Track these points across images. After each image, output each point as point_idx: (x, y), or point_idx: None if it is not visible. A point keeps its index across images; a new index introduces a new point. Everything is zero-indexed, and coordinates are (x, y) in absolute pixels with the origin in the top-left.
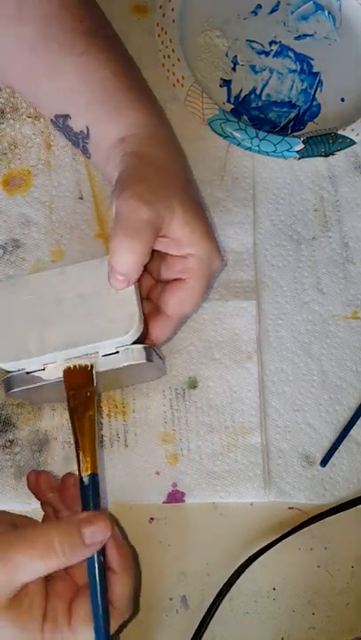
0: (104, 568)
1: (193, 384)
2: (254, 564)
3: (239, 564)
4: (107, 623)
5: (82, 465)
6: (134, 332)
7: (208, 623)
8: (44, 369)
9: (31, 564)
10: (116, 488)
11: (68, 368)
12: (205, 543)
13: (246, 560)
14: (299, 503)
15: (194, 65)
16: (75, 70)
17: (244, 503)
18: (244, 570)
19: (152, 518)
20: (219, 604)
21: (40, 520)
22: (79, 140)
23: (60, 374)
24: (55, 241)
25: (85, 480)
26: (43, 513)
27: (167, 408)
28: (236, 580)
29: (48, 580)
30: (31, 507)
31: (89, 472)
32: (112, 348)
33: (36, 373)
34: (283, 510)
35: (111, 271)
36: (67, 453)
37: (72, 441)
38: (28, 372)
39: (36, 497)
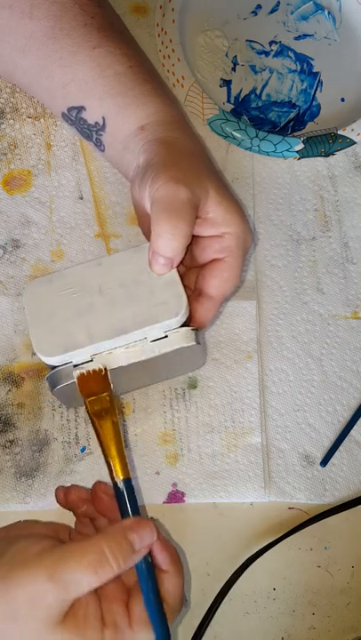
0: (153, 568)
1: (193, 384)
2: (254, 564)
3: (239, 564)
4: (164, 621)
5: (113, 471)
6: (183, 314)
7: (208, 623)
8: (91, 360)
9: (84, 579)
10: None
11: (82, 374)
12: (205, 543)
13: (246, 560)
14: (299, 503)
15: (194, 65)
16: (90, 63)
17: (245, 503)
18: (244, 570)
19: (152, 518)
20: (219, 604)
21: (73, 525)
22: (93, 133)
23: (110, 365)
24: (55, 241)
25: (120, 486)
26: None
27: (167, 408)
28: (236, 580)
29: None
30: (30, 506)
31: (122, 477)
32: (161, 332)
33: (83, 365)
34: (283, 510)
35: (153, 256)
36: (66, 453)
37: (70, 440)
38: (75, 365)
39: (70, 510)
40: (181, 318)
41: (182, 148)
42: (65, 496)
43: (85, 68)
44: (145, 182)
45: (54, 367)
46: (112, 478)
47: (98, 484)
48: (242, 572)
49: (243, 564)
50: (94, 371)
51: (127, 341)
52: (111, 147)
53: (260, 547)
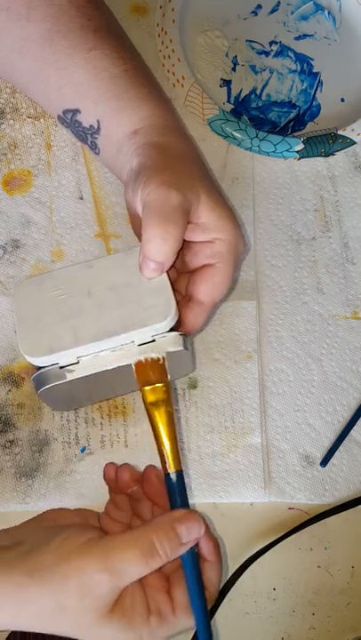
0: (198, 558)
1: (193, 384)
2: (254, 564)
3: (239, 564)
4: (205, 607)
5: (168, 462)
6: (172, 318)
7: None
8: (77, 362)
9: (135, 568)
10: None
11: (140, 362)
12: None
13: (246, 560)
14: (299, 503)
15: (194, 65)
16: (85, 66)
17: (245, 503)
18: (244, 570)
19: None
20: (219, 604)
21: (103, 509)
22: (88, 136)
23: (96, 368)
24: (55, 241)
25: (173, 477)
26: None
27: None
28: (236, 580)
29: None
30: (30, 506)
31: (175, 469)
32: (148, 336)
33: (69, 367)
34: (283, 510)
35: (143, 260)
36: (66, 453)
37: (70, 441)
38: (61, 367)
39: (113, 489)
40: (170, 322)
41: (175, 152)
42: (117, 473)
43: (81, 71)
44: (137, 186)
45: (40, 368)
46: (164, 469)
47: (150, 467)
48: (242, 572)
49: (243, 564)
50: (152, 359)
51: (114, 344)
52: (106, 150)
53: (260, 547)
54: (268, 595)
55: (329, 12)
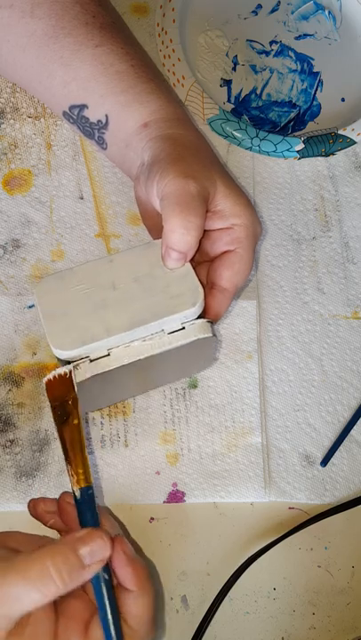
0: (112, 586)
1: (193, 384)
2: (254, 563)
3: (239, 563)
4: None
5: (73, 478)
6: (200, 304)
7: (208, 623)
8: (108, 355)
9: (26, 595)
10: (116, 488)
11: (49, 380)
12: (205, 543)
13: (246, 560)
14: (299, 503)
15: (194, 65)
16: (92, 61)
17: (245, 503)
18: (244, 570)
19: (152, 518)
20: (219, 604)
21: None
22: (95, 131)
23: (128, 358)
24: (55, 241)
25: (77, 494)
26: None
27: (167, 408)
28: (236, 580)
29: (60, 600)
30: None
31: (81, 485)
32: (177, 324)
33: (100, 360)
34: (283, 510)
35: (167, 251)
36: None
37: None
38: (91, 360)
39: (44, 524)
40: (198, 309)
41: (187, 144)
42: (34, 508)
43: (87, 67)
44: (152, 179)
45: (69, 363)
46: (71, 486)
47: (64, 494)
48: (242, 572)
49: (243, 564)
50: (60, 375)
51: (144, 333)
52: (113, 145)
53: (261, 547)
54: (269, 594)
55: (329, 12)
